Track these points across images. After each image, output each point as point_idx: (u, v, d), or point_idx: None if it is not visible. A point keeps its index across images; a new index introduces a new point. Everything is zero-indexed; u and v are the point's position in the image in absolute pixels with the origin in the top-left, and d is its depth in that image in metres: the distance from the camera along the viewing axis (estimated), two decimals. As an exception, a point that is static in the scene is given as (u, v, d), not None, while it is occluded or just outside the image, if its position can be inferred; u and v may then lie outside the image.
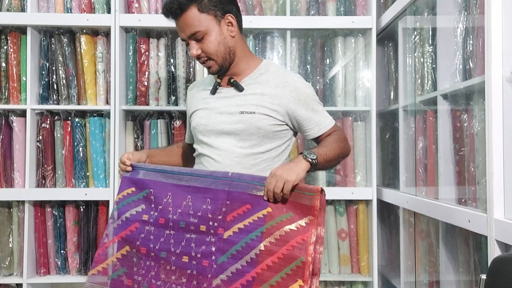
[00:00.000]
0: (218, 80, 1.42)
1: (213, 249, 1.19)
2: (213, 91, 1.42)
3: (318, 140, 1.40)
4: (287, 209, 1.17)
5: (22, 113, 2.09)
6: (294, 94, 1.36)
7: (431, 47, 1.76)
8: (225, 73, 1.41)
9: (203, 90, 1.47)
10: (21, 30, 2.10)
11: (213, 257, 1.19)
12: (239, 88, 1.38)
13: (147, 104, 2.12)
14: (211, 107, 1.40)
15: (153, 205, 1.29)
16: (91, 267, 1.31)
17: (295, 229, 1.15)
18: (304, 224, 1.15)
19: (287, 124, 1.38)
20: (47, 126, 2.09)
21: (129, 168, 1.35)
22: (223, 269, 1.17)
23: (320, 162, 1.24)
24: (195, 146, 1.46)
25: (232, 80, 1.40)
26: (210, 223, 1.21)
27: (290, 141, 1.43)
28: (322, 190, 1.16)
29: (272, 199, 1.18)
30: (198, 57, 1.37)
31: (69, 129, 2.09)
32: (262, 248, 1.15)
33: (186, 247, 1.22)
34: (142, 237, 1.27)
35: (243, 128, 1.34)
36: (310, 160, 1.21)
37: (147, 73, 2.12)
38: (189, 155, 1.56)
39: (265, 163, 1.35)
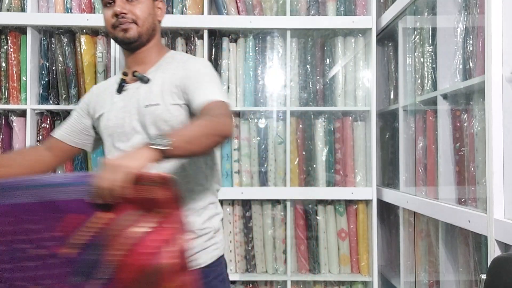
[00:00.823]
0: (124, 77, 1.32)
1: (57, 271, 0.98)
2: (119, 90, 1.31)
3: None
4: (128, 208, 0.93)
5: (22, 113, 2.08)
6: (188, 70, 1.25)
7: (431, 47, 1.76)
8: (137, 47, 1.29)
9: (108, 91, 1.35)
10: (21, 30, 2.10)
11: (60, 280, 0.99)
12: (144, 80, 1.27)
13: (147, 104, 2.12)
14: (118, 106, 1.29)
15: None
16: None
17: (144, 231, 0.93)
18: (153, 224, 0.93)
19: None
20: (47, 126, 2.09)
21: None
22: None
23: (176, 146, 0.98)
24: (107, 154, 1.32)
25: (135, 73, 1.29)
26: (46, 243, 0.97)
27: None
28: (168, 178, 0.92)
29: (108, 198, 0.90)
30: (122, 16, 1.24)
31: (69, 129, 2.09)
32: (111, 261, 0.94)
33: (30, 276, 0.99)
34: None
35: (150, 122, 1.22)
36: (158, 146, 0.95)
37: (147, 73, 2.12)
38: (43, 163, 1.32)
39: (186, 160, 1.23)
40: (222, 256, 1.34)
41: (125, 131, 1.26)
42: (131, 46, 1.29)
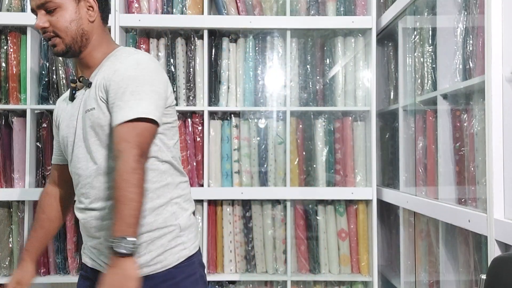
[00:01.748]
0: (73, 85, 1.26)
1: None
2: (71, 98, 1.26)
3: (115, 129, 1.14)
4: None
5: (22, 113, 2.08)
6: (116, 71, 1.16)
7: (431, 47, 1.76)
8: (73, 56, 1.24)
9: (66, 101, 1.30)
10: (21, 30, 2.10)
11: None
12: (87, 84, 1.22)
13: (147, 104, 2.12)
14: (68, 115, 1.25)
15: None
16: None
17: None
18: None
19: None
20: (47, 126, 2.09)
21: None
22: None
23: (134, 233, 1.01)
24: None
25: (81, 79, 1.24)
26: None
27: None
28: None
29: None
30: (44, 31, 1.19)
31: (69, 129, 2.09)
32: None
33: None
34: None
35: (88, 128, 1.18)
36: (128, 251, 0.99)
37: (147, 73, 2.12)
38: (64, 198, 1.38)
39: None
40: (195, 255, 1.25)
41: (72, 140, 1.23)
42: (67, 56, 1.25)
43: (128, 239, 1.00)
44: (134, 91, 1.11)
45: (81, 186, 1.22)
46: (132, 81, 1.12)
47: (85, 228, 1.25)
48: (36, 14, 1.21)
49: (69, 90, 1.31)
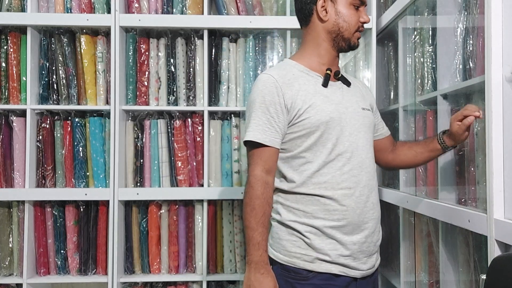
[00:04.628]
0: (328, 72, 1.33)
1: None
2: (326, 84, 1.32)
3: (389, 137, 1.51)
4: None
5: (22, 113, 2.09)
6: (373, 98, 1.49)
7: (431, 47, 1.76)
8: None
9: (299, 82, 1.29)
10: (21, 30, 2.10)
11: None
12: (347, 83, 1.36)
13: (147, 104, 2.12)
14: (333, 100, 1.30)
15: None
16: None
17: None
18: None
19: None
20: (47, 126, 2.09)
21: None
22: None
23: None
24: (319, 149, 1.27)
25: (340, 74, 1.36)
26: None
27: None
28: None
29: None
30: (363, 26, 1.32)
31: (69, 129, 2.10)
32: None
33: None
34: None
35: (367, 125, 1.36)
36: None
37: (147, 73, 2.12)
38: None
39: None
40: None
41: (348, 124, 1.31)
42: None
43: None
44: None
45: (358, 172, 1.30)
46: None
47: (351, 219, 1.26)
48: (358, 8, 1.31)
49: (279, 69, 1.33)
